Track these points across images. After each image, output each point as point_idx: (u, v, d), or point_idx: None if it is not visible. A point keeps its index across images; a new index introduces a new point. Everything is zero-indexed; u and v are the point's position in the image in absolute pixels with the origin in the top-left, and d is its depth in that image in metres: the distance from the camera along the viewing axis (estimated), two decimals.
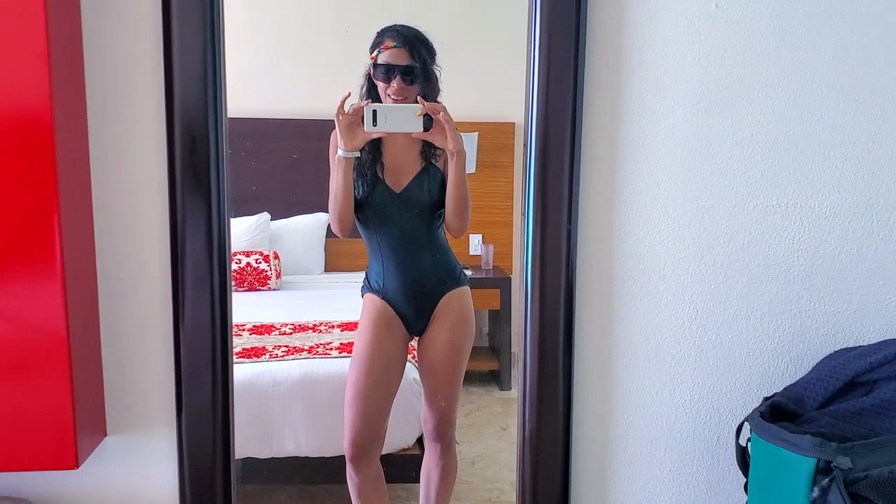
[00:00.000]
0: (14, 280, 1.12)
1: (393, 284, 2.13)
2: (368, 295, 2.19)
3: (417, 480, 2.44)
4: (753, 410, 1.25)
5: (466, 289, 2.22)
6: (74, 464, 1.16)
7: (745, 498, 1.28)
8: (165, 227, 1.28)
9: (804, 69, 1.33)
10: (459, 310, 2.19)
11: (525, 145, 1.32)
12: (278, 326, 2.98)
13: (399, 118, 1.84)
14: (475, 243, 3.78)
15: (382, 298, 2.16)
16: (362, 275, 2.22)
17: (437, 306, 2.18)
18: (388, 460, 2.30)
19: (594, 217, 1.34)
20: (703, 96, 1.33)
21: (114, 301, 1.30)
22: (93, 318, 1.27)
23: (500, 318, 3.55)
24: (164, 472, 1.32)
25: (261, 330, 2.94)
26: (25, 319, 1.13)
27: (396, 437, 2.40)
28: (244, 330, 2.90)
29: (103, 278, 1.29)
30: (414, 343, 2.30)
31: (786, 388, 1.29)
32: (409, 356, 2.33)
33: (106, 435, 1.30)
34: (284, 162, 3.58)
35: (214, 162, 1.27)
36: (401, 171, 2.10)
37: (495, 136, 3.73)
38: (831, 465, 1.07)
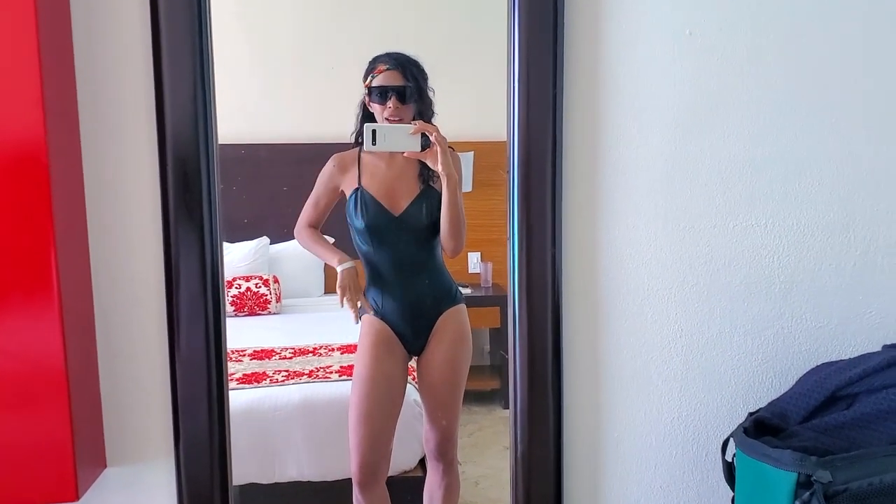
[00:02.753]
0: (12, 314, 1.14)
1: (391, 305, 2.16)
2: (366, 317, 2.22)
3: (420, 502, 2.45)
4: (738, 426, 1.28)
5: (463, 307, 2.25)
6: (75, 496, 1.18)
7: None
8: (160, 258, 1.30)
9: (778, 91, 1.37)
10: (456, 328, 2.22)
11: (507, 172, 1.36)
12: (278, 351, 3.00)
13: (397, 137, 1.90)
14: (474, 261, 3.80)
15: (381, 319, 2.18)
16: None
17: (435, 325, 2.20)
18: (390, 483, 2.31)
19: (578, 240, 1.37)
20: (680, 120, 1.37)
21: (110, 333, 1.32)
22: (90, 351, 1.30)
23: (500, 336, 3.56)
24: (163, 502, 1.35)
25: (261, 355, 2.96)
26: (23, 354, 1.14)
27: (398, 459, 2.41)
28: (244, 355, 2.92)
29: (100, 311, 1.32)
30: (413, 364, 2.32)
31: (770, 404, 1.31)
32: (409, 377, 2.36)
33: (106, 466, 1.32)
34: (282, 186, 3.60)
35: (206, 193, 1.30)
36: (399, 195, 2.13)
37: (491, 155, 3.74)
38: (812, 479, 1.10)
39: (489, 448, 3.20)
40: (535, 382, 1.38)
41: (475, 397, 3.48)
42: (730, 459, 1.30)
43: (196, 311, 1.31)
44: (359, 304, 2.15)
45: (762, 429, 1.27)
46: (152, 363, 1.33)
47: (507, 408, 3.51)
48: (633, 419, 1.42)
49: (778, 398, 1.32)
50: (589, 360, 1.40)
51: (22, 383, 1.15)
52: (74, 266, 1.23)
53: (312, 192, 2.23)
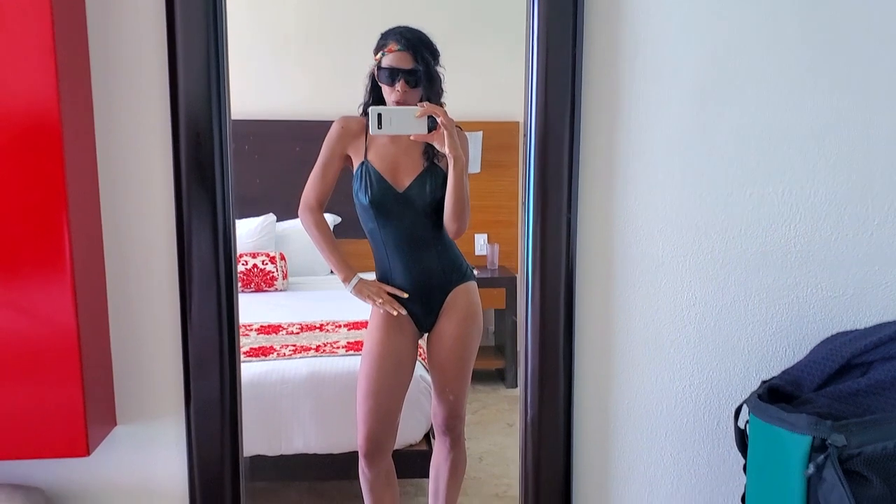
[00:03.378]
0: (26, 276, 1.15)
1: (400, 282, 2.16)
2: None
3: (425, 476, 2.46)
4: (752, 393, 1.27)
5: (473, 284, 2.24)
6: (86, 451, 1.19)
7: (744, 479, 1.30)
8: (171, 223, 1.30)
9: (799, 59, 1.36)
10: (466, 305, 2.21)
11: (525, 136, 1.35)
12: (285, 326, 3.01)
13: (403, 120, 1.88)
14: (480, 243, 3.80)
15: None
16: (370, 274, 2.24)
17: (445, 302, 2.20)
18: (395, 455, 2.31)
19: (593, 206, 1.36)
20: (700, 87, 1.35)
21: (122, 296, 1.33)
22: (102, 312, 1.30)
23: (505, 317, 3.57)
24: (173, 461, 1.35)
25: (268, 330, 2.96)
26: (37, 314, 1.15)
27: (404, 433, 2.42)
28: (251, 330, 2.93)
29: (111, 274, 1.32)
30: (422, 341, 2.32)
31: (783, 372, 1.31)
32: (419, 354, 2.36)
33: (116, 424, 1.33)
34: (288, 163, 3.60)
35: (219, 158, 1.29)
36: (403, 171, 2.12)
37: (500, 135, 3.75)
38: (826, 443, 1.09)
39: (493, 425, 3.22)
40: (546, 349, 1.37)
41: (480, 376, 3.49)
42: (742, 426, 1.30)
43: (208, 274, 1.30)
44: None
45: (776, 396, 1.26)
46: (163, 326, 1.34)
47: (512, 387, 3.53)
48: (645, 387, 1.41)
49: (792, 366, 1.31)
50: (601, 328, 1.40)
51: (35, 342, 1.16)
52: (86, 229, 1.24)
53: (318, 160, 2.19)
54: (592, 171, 1.36)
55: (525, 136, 1.35)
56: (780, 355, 1.41)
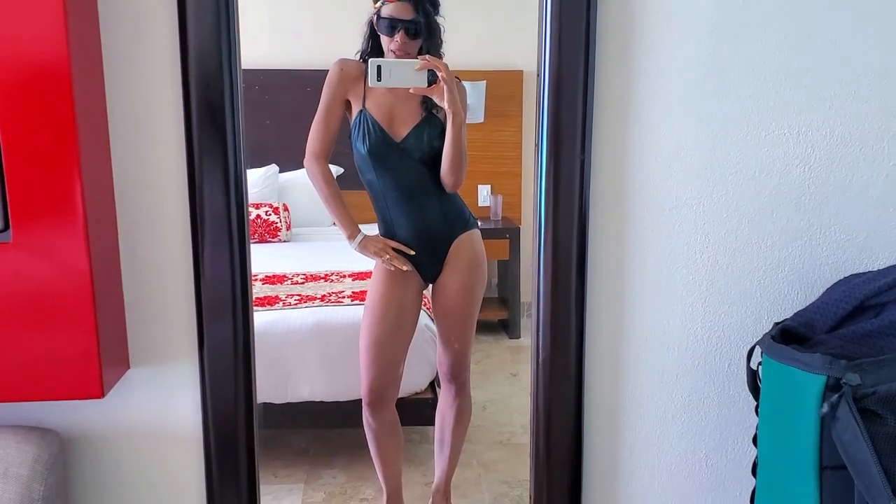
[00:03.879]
0: (39, 220, 1.14)
1: (402, 234, 2.15)
2: None
3: (430, 423, 2.48)
4: (764, 335, 1.27)
5: (477, 232, 2.23)
6: (100, 393, 1.19)
7: (755, 421, 1.30)
8: (182, 168, 1.29)
9: None
10: (470, 253, 2.21)
11: (538, 76, 1.32)
12: (290, 276, 3.01)
13: (403, 73, 1.86)
14: (484, 194, 3.79)
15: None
16: (371, 226, 2.23)
17: (449, 251, 2.19)
18: (400, 404, 2.33)
19: (607, 147, 1.35)
20: (716, 25, 1.33)
21: (134, 241, 1.32)
22: (114, 256, 1.30)
23: (509, 269, 3.57)
24: (187, 403, 1.36)
25: (273, 280, 2.97)
26: (51, 257, 1.15)
27: (409, 382, 2.44)
28: (256, 280, 2.93)
29: (123, 219, 1.31)
30: (427, 291, 2.32)
31: (796, 314, 1.31)
32: (423, 303, 2.36)
33: (129, 367, 1.33)
34: (290, 113, 3.57)
35: (230, 103, 1.28)
36: (401, 121, 2.10)
37: (503, 84, 3.71)
38: (840, 382, 1.09)
39: (496, 375, 3.25)
40: (558, 291, 1.37)
41: (483, 327, 3.52)
42: (755, 368, 1.30)
43: (219, 218, 1.30)
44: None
45: (788, 337, 1.26)
46: (176, 271, 1.33)
47: (514, 337, 3.54)
48: (657, 330, 1.41)
49: (805, 308, 1.31)
50: (614, 270, 1.39)
51: (49, 286, 1.16)
52: (97, 176, 1.23)
53: (320, 106, 2.16)
54: (606, 112, 1.34)
55: (539, 76, 1.33)
56: (792, 298, 1.41)
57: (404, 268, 2.12)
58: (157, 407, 1.36)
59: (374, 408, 2.25)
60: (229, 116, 1.28)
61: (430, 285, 2.26)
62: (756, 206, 1.38)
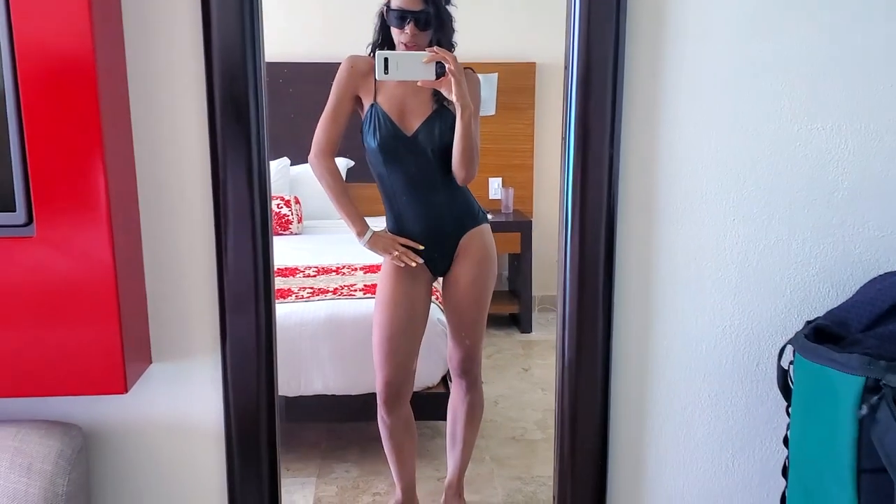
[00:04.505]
0: (62, 214, 1.13)
1: (412, 227, 2.13)
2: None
3: (443, 418, 2.47)
4: (797, 333, 1.25)
5: (486, 227, 2.22)
6: (123, 388, 1.17)
7: (785, 421, 1.28)
8: (206, 162, 1.27)
9: None
10: (481, 248, 2.19)
11: (566, 68, 1.30)
12: (302, 269, 3.00)
13: (411, 66, 1.82)
14: (494, 187, 3.77)
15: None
16: (382, 219, 2.22)
17: (458, 246, 2.18)
18: (413, 398, 2.32)
19: (636, 141, 1.32)
20: (749, 18, 1.30)
21: (157, 236, 1.30)
22: (137, 250, 1.28)
23: (520, 262, 3.55)
24: (209, 397, 1.34)
25: (285, 273, 2.96)
26: (74, 251, 1.14)
27: (421, 376, 2.43)
28: None
29: (146, 213, 1.29)
30: (438, 285, 2.30)
31: (829, 312, 1.28)
32: (434, 297, 2.34)
33: (151, 362, 1.31)
34: (301, 106, 3.55)
35: (254, 96, 1.26)
36: (412, 114, 2.07)
37: (516, 77, 3.69)
38: (880, 384, 1.07)
39: (508, 370, 3.24)
40: (585, 286, 1.34)
41: (494, 321, 3.51)
42: (786, 367, 1.28)
43: (243, 213, 1.28)
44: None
45: (822, 336, 1.24)
46: (198, 265, 1.31)
47: (526, 332, 3.51)
48: (684, 326, 1.39)
49: (838, 306, 1.28)
50: (642, 265, 1.37)
51: (73, 280, 1.14)
52: (120, 170, 1.21)
53: (328, 102, 2.13)
54: (635, 104, 1.31)
55: (566, 69, 1.30)
56: (824, 296, 1.38)
57: (413, 264, 2.10)
58: (180, 402, 1.34)
59: (389, 405, 2.23)
60: (254, 109, 1.26)
61: (440, 279, 2.24)
62: (788, 202, 1.36)
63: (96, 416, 1.32)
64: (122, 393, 1.17)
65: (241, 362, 1.32)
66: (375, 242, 2.12)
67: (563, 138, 1.33)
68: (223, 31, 1.23)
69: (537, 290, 3.52)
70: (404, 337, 2.19)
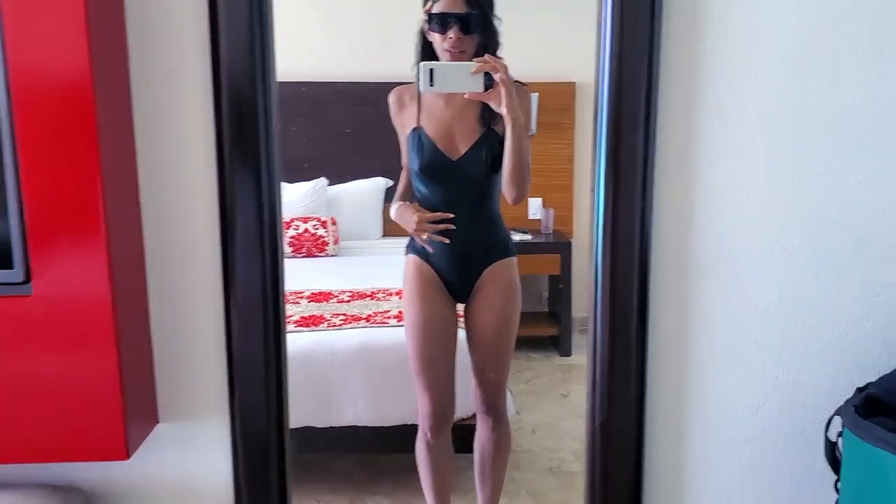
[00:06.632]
0: (62, 269, 1.09)
1: (441, 250, 2.07)
2: (412, 257, 2.13)
3: (471, 450, 2.40)
4: (846, 402, 1.15)
5: (513, 260, 2.15)
6: (125, 454, 1.13)
7: (833, 496, 1.18)
8: (214, 199, 1.22)
9: None
10: (505, 281, 2.13)
11: (595, 115, 1.22)
12: (336, 294, 2.96)
13: (457, 77, 1.73)
14: (535, 207, 3.70)
15: (426, 261, 2.10)
16: (404, 239, 2.18)
17: (482, 275, 2.12)
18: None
19: (670, 192, 1.24)
20: (794, 57, 1.21)
21: (162, 280, 1.25)
22: (140, 296, 1.23)
23: (560, 283, 3.46)
24: (217, 459, 1.29)
25: (319, 297, 2.92)
26: (70, 290, 1.09)
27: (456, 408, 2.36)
28: (302, 297, 2.89)
29: (151, 256, 1.25)
30: (460, 309, 2.23)
31: (881, 378, 1.18)
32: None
33: (158, 422, 1.27)
34: (341, 126, 3.53)
35: (263, 122, 1.20)
36: (459, 138, 2.01)
37: (555, 96, 3.62)
38: None
39: (546, 396, 3.16)
40: (616, 345, 1.26)
41: (532, 343, 3.44)
42: (833, 438, 1.18)
43: (252, 254, 1.22)
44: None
45: (873, 407, 1.13)
46: (206, 313, 1.26)
47: (565, 355, 3.42)
48: (723, 389, 1.30)
49: (891, 372, 1.18)
50: (678, 323, 1.28)
51: (69, 325, 1.10)
52: (122, 201, 1.17)
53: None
54: (670, 149, 1.23)
55: (595, 116, 1.22)
56: (875, 359, 1.28)
57: (447, 241, 2.06)
58: (187, 464, 1.30)
59: (436, 430, 2.18)
60: (262, 137, 1.20)
61: (464, 310, 2.18)
62: (836, 257, 1.26)
63: (100, 478, 1.28)
64: (123, 459, 1.13)
65: (250, 419, 1.26)
66: (402, 214, 2.10)
67: (592, 190, 1.25)
68: (232, 62, 1.18)
69: (577, 311, 3.44)
70: (442, 358, 2.15)
